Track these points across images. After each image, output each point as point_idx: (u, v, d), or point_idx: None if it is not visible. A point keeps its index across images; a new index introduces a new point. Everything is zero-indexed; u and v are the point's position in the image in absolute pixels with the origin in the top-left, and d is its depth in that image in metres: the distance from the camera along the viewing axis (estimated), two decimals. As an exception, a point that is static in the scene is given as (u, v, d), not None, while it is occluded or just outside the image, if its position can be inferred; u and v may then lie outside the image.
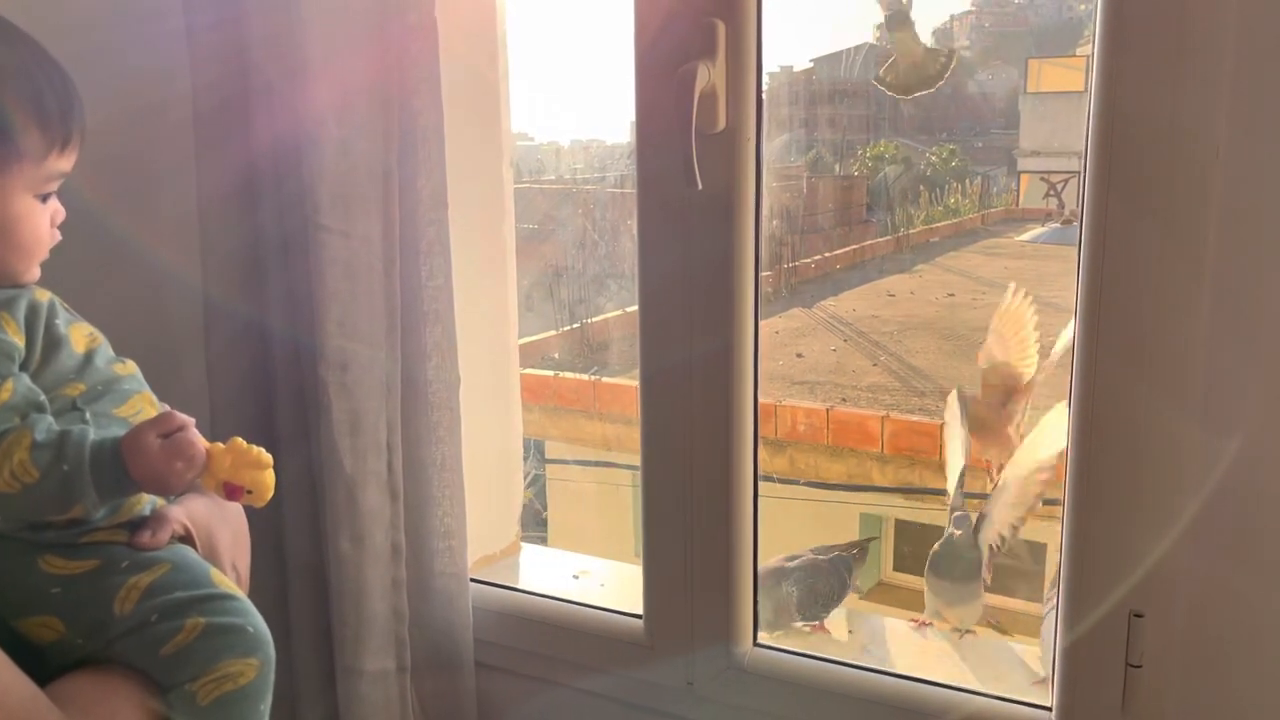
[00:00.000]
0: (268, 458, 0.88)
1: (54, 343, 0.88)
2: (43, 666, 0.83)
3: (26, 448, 0.80)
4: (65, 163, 0.89)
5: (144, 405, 0.92)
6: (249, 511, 0.99)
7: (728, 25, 1.15)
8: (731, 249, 1.21)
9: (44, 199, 0.89)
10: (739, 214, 1.20)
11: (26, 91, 0.85)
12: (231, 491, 0.87)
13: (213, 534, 0.95)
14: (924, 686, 1.26)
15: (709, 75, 1.15)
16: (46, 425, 0.82)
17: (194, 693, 0.83)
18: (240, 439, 0.87)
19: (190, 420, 0.87)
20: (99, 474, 0.82)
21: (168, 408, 0.96)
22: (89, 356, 0.90)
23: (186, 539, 0.92)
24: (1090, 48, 1.03)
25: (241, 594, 0.90)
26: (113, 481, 0.83)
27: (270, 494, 0.89)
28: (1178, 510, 1.03)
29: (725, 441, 1.25)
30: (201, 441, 0.86)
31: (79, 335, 0.91)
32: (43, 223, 0.89)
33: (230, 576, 0.94)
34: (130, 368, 0.94)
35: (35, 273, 0.90)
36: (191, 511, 0.93)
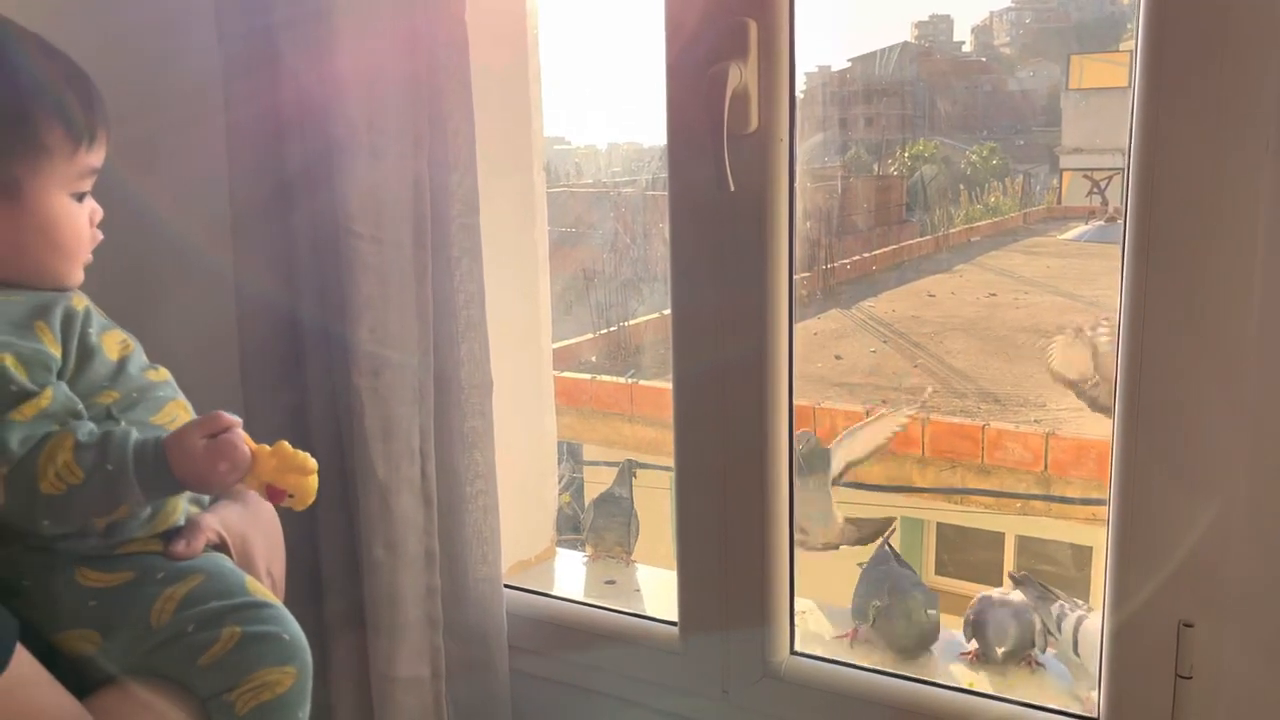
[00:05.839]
0: (313, 463, 0.88)
1: (87, 352, 0.88)
2: (81, 680, 0.84)
3: (70, 449, 0.80)
4: (95, 158, 0.88)
5: (179, 412, 0.92)
6: (282, 517, 0.99)
7: (760, 25, 1.14)
8: (765, 251, 1.19)
9: (80, 198, 0.89)
10: (772, 215, 1.19)
11: (47, 89, 0.85)
12: (274, 494, 0.87)
13: (247, 541, 0.95)
14: (966, 696, 1.23)
15: (741, 75, 1.13)
16: (89, 429, 0.83)
17: (232, 702, 0.83)
18: (286, 443, 0.87)
19: (237, 421, 0.86)
20: (143, 473, 0.82)
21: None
22: (122, 364, 0.90)
23: (221, 547, 0.92)
24: (1134, 43, 1.01)
25: (277, 601, 0.90)
26: (156, 480, 0.83)
27: (312, 499, 0.89)
28: (1229, 515, 1.00)
29: (760, 445, 1.24)
30: (247, 443, 0.86)
31: (111, 343, 0.91)
32: (81, 222, 0.89)
33: (265, 583, 0.94)
34: (163, 374, 0.94)
35: (78, 275, 0.90)
36: (225, 519, 0.93)
